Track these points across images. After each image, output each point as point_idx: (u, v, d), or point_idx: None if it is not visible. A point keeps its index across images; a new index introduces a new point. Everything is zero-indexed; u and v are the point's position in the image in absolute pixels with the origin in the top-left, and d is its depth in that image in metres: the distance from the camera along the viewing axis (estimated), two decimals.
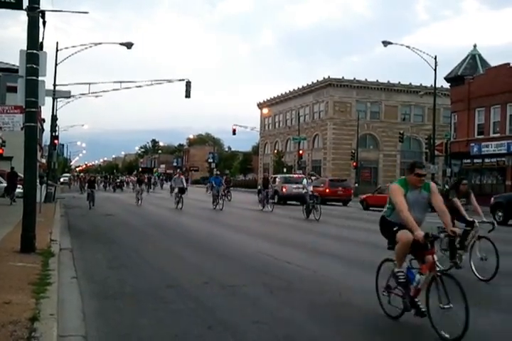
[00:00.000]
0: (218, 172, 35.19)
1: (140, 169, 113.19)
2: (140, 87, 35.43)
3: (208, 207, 29.27)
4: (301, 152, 61.84)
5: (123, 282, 8.58)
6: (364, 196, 35.52)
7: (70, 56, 32.62)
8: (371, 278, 9.44)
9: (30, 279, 7.63)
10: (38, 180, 20.94)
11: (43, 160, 53.61)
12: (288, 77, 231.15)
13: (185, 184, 30.10)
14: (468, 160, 41.60)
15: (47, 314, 5.83)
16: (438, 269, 5.83)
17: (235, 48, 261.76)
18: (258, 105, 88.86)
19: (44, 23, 11.51)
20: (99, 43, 32.91)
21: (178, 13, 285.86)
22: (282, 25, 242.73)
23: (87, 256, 11.27)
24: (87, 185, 29.40)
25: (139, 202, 31.43)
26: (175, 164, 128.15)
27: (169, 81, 35.89)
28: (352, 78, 69.53)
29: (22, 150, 10.90)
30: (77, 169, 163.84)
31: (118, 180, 63.84)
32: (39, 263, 9.05)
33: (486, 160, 39.69)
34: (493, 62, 44.84)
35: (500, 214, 24.07)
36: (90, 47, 32.21)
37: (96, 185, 31.93)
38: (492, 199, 25.39)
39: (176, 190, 29.23)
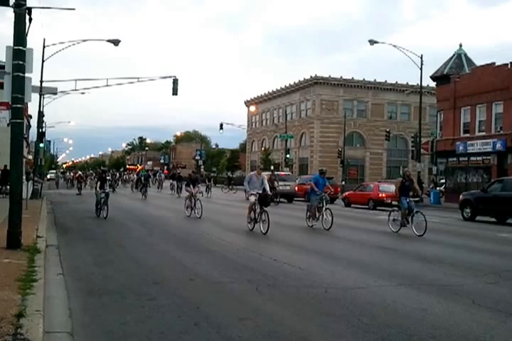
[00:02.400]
0: (324, 169, 20.00)
1: (127, 166, 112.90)
2: (127, 83, 35.26)
3: (297, 225, 18.90)
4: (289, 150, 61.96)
5: (109, 278, 8.60)
6: (346, 193, 35.72)
7: (56, 52, 32.45)
8: (356, 275, 9.58)
9: (16, 275, 7.64)
10: (24, 177, 20.96)
11: (30, 157, 53.37)
12: (275, 74, 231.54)
13: (268, 188, 16.73)
14: (454, 159, 41.87)
15: (33, 310, 5.86)
16: None
17: (223, 45, 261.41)
18: (245, 103, 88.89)
19: (30, 19, 11.43)
20: (86, 40, 32.77)
21: (166, 10, 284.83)
22: (270, 23, 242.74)
23: (73, 253, 11.27)
24: (98, 183, 20.74)
25: (192, 211, 21.29)
26: (162, 161, 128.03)
27: (156, 78, 35.80)
28: (339, 76, 69.79)
29: (9, 146, 10.90)
30: (64, 166, 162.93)
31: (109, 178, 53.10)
32: (25, 260, 9.05)
33: (472, 158, 39.98)
34: (479, 62, 45.29)
35: (468, 210, 24.86)
36: (78, 43, 32.07)
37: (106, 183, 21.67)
38: (461, 196, 25.96)
39: (252, 199, 16.45)
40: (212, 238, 14.60)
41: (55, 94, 35.80)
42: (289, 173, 48.11)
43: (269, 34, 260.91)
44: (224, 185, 57.18)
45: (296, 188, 38.18)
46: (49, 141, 79.28)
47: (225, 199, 35.93)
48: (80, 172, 52.14)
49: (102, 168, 31.43)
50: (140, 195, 37.25)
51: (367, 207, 31.60)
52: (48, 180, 69.91)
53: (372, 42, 38.60)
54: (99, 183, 20.67)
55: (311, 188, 18.84)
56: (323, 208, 18.00)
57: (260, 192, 16.44)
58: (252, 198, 16.43)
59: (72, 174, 62.81)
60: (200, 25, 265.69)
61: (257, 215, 16.23)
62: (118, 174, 67.96)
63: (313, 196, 18.50)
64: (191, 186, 21.82)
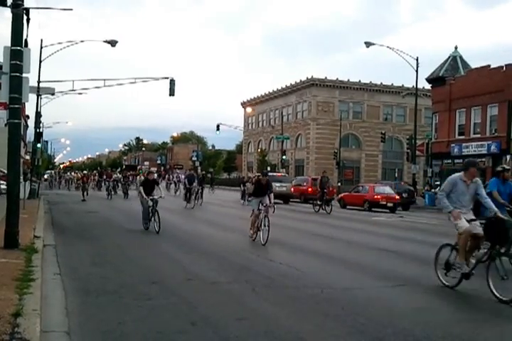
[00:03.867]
0: (507, 166, 12.06)
1: (124, 166, 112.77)
2: (124, 84, 35.29)
3: None
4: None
5: (106, 278, 8.61)
6: (341, 195, 35.75)
7: (54, 53, 32.49)
8: (353, 275, 9.63)
9: (13, 275, 7.64)
10: (21, 177, 20.96)
11: (27, 157, 53.23)
12: (275, 75, 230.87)
13: (491, 203, 8.60)
14: (449, 161, 42.00)
15: (30, 310, 5.86)
16: None
17: (222, 46, 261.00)
18: (242, 104, 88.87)
19: (28, 20, 11.50)
20: (84, 41, 32.79)
21: (165, 10, 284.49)
22: (270, 23, 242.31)
23: (70, 253, 11.28)
24: (141, 188, 16.58)
25: (257, 234, 14.00)
26: (159, 162, 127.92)
27: (153, 79, 35.80)
28: (335, 78, 69.84)
29: (5, 146, 10.91)
30: (61, 166, 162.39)
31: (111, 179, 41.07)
32: (22, 260, 9.05)
33: None
34: (475, 63, 45.44)
35: None
36: (75, 44, 32.08)
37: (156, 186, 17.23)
38: None
39: (467, 229, 8.14)
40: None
41: (53, 94, 35.79)
42: (285, 174, 48.20)
43: (268, 34, 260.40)
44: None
45: (292, 189, 38.33)
46: (46, 142, 79.16)
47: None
48: (84, 172, 44.61)
49: (149, 170, 24.45)
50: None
51: (362, 208, 31.67)
52: (45, 180, 69.83)
53: (368, 44, 38.67)
54: (142, 188, 16.57)
55: (495, 200, 10.41)
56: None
57: (472, 216, 8.61)
58: (467, 226, 8.29)
59: (73, 174, 61.71)
60: (200, 25, 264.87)
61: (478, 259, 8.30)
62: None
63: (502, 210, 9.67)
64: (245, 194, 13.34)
